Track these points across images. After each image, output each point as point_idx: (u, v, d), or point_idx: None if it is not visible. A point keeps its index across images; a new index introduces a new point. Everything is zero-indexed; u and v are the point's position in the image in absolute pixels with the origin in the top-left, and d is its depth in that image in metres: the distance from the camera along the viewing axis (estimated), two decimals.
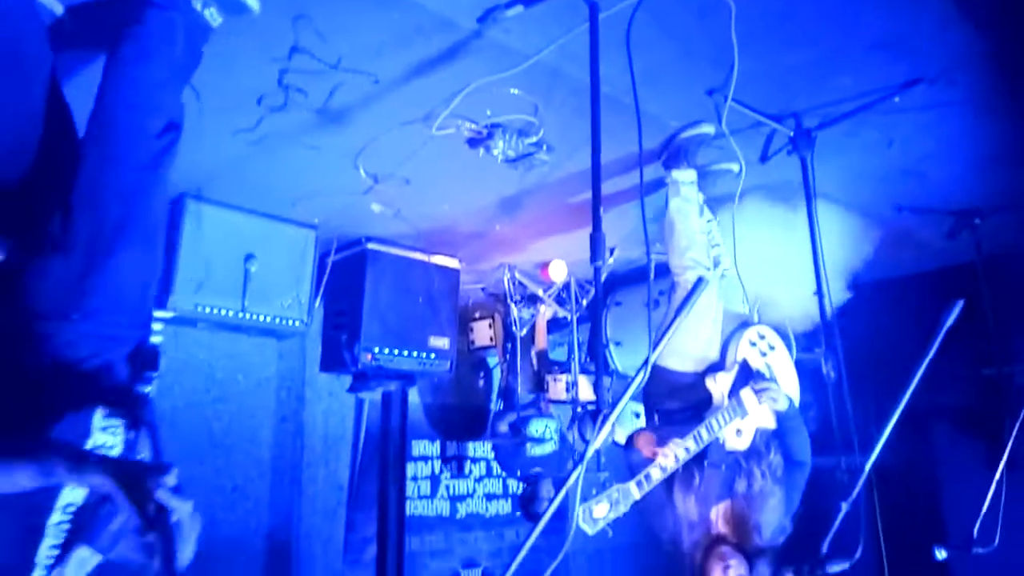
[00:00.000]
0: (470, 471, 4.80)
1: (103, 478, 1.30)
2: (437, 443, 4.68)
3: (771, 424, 2.32)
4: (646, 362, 1.38)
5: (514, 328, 4.08)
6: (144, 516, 1.26)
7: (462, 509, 4.68)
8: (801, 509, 2.46)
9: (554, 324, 4.55)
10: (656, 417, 2.45)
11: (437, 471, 4.64)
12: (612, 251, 3.71)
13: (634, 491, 2.12)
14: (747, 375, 2.38)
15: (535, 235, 3.66)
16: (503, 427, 4.41)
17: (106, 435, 1.59)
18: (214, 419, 3.79)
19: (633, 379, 1.38)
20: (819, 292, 2.24)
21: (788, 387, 2.45)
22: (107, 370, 1.64)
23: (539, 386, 4.18)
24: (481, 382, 4.99)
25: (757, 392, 2.29)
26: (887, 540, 5.94)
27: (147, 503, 1.26)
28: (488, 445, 4.88)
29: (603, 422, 1.37)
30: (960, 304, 2.18)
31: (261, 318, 3.20)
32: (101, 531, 1.54)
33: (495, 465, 4.87)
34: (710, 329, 2.46)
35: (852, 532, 2.15)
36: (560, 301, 4.12)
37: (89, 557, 1.53)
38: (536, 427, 4.07)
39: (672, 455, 2.14)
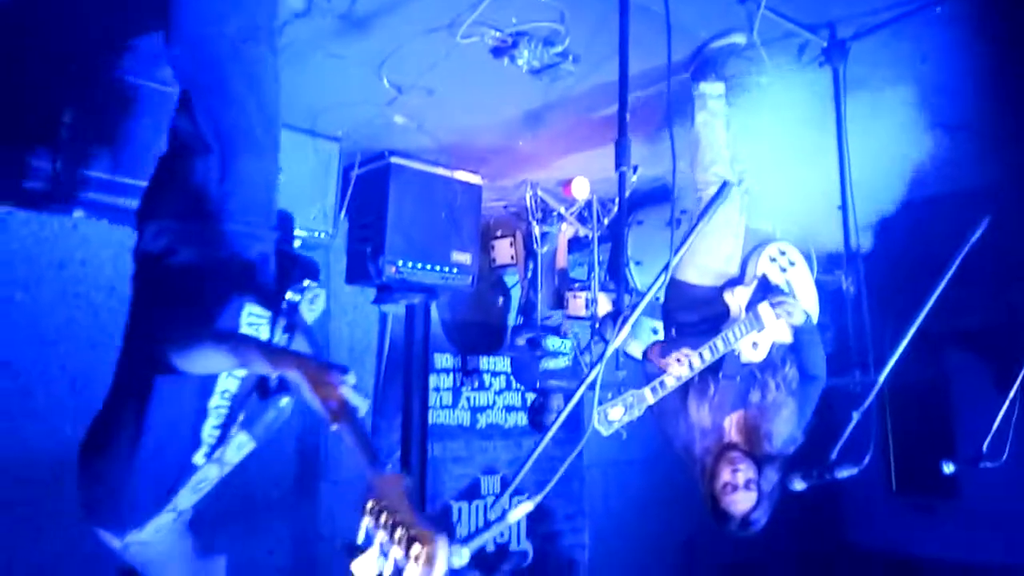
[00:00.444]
0: (490, 384, 4.94)
1: (295, 371, 1.41)
2: (458, 357, 4.81)
3: (787, 338, 2.34)
4: (667, 267, 1.41)
5: (535, 246, 4.11)
6: (329, 408, 1.35)
7: (482, 420, 4.85)
8: (814, 420, 2.53)
9: (575, 243, 4.57)
10: (673, 330, 2.47)
11: (458, 383, 4.78)
12: (635, 169, 3.68)
13: (648, 396, 2.15)
14: (766, 290, 2.38)
15: (558, 151, 3.64)
16: (520, 341, 4.51)
17: (251, 330, 1.73)
18: None
19: (654, 282, 1.41)
20: (844, 207, 2.23)
21: (806, 303, 2.46)
22: (252, 269, 1.77)
23: (559, 303, 4.24)
24: (500, 300, 5.07)
25: (774, 306, 2.29)
26: (896, 453, 6.08)
27: (331, 398, 1.36)
28: (507, 360, 5.01)
29: (623, 323, 1.42)
30: (986, 221, 2.17)
31: None
32: (256, 420, 1.73)
33: (514, 380, 5.01)
34: (731, 244, 2.46)
35: (862, 441, 2.22)
36: (582, 220, 4.12)
37: (247, 442, 1.72)
38: (552, 342, 4.15)
39: (686, 364, 2.16)
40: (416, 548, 1.16)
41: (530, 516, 4.92)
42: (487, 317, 5.01)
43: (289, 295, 1.84)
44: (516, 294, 4.95)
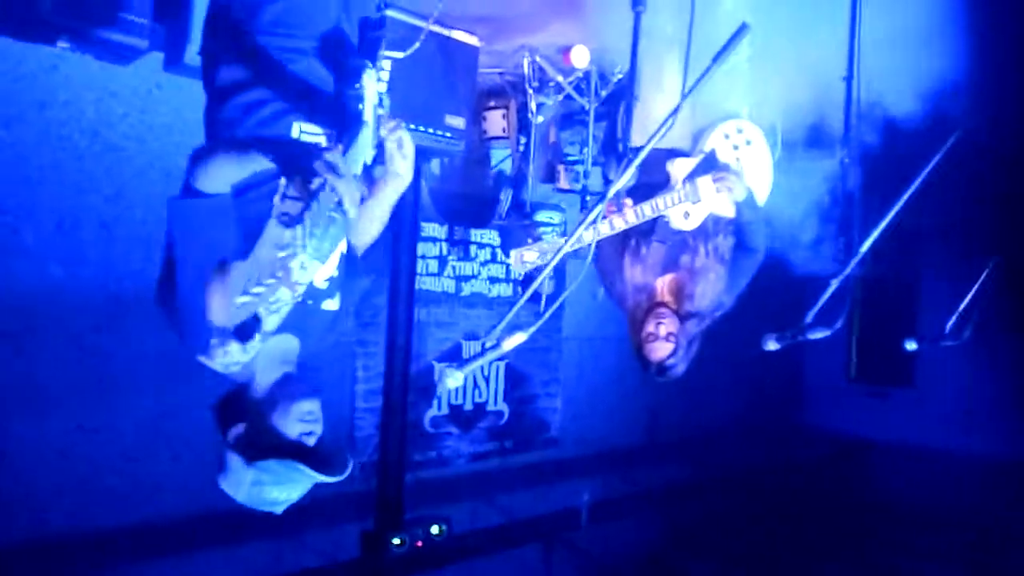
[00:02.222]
0: (476, 255, 5.02)
1: (264, 154, 1.41)
2: (445, 227, 4.85)
3: (729, 213, 2.41)
4: (676, 109, 1.42)
5: (530, 115, 4.06)
6: (303, 189, 1.37)
7: (466, 288, 4.96)
8: (791, 290, 2.63)
9: (567, 120, 4.52)
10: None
11: (444, 252, 4.85)
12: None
13: (564, 246, 2.29)
14: (711, 166, 2.43)
15: (560, 10, 3.51)
16: (510, 213, 4.54)
17: None
18: None
19: (661, 125, 1.43)
20: (848, 77, 2.22)
21: (755, 183, 2.50)
22: (297, 83, 1.68)
23: (550, 176, 4.24)
24: (489, 172, 5.05)
25: (715, 181, 2.33)
26: (859, 342, 6.41)
27: (307, 178, 1.37)
28: (494, 233, 5.06)
29: (628, 164, 1.45)
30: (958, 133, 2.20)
31: None
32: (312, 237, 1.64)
33: (499, 252, 5.09)
34: (664, 107, 2.46)
35: (836, 308, 2.34)
36: (579, 92, 4.06)
37: (308, 261, 1.58)
38: (543, 215, 4.20)
39: (608, 223, 2.25)
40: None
41: (507, 381, 5.15)
42: (475, 189, 5.01)
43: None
44: (506, 167, 4.93)
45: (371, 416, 4.36)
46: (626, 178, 1.46)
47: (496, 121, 4.56)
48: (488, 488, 5.00)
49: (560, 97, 4.04)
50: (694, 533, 5.86)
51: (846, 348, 6.37)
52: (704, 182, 2.33)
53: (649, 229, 2.34)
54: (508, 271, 5.11)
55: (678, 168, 2.40)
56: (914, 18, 2.87)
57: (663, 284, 2.41)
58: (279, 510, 1.69)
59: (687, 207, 2.33)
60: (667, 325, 2.33)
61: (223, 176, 1.54)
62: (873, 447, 6.45)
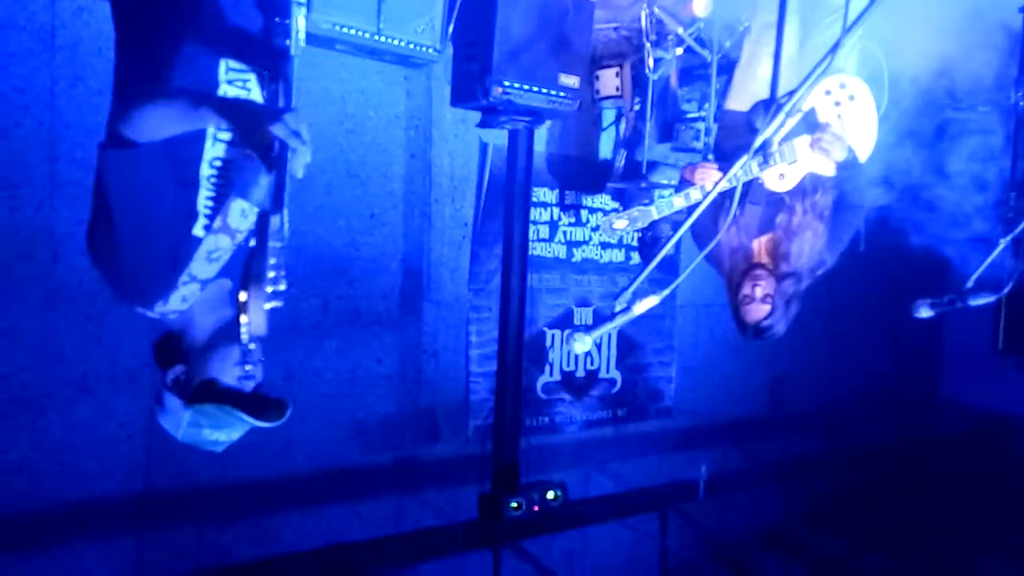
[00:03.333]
0: (587, 220, 4.91)
1: (218, 117, 1.34)
2: (556, 191, 4.77)
3: (828, 172, 2.30)
4: (834, 47, 1.27)
5: (647, 71, 3.87)
6: (263, 155, 1.29)
7: (578, 254, 4.87)
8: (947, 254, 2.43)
9: (685, 76, 4.29)
10: (711, 156, 2.49)
11: (556, 217, 4.78)
12: None
13: (653, 212, 2.26)
14: (811, 125, 2.30)
15: None
16: (626, 174, 4.40)
17: (235, 88, 1.59)
18: (349, 151, 3.97)
19: (807, 77, 1.29)
20: None
21: (858, 140, 2.34)
22: (223, 14, 1.58)
23: (668, 134, 4.06)
24: (602, 134, 4.90)
25: (813, 142, 2.23)
26: (1007, 313, 5.82)
27: (264, 143, 1.29)
28: (606, 197, 4.93)
29: (776, 111, 1.32)
30: None
31: (395, 42, 3.18)
32: (251, 183, 1.60)
33: (601, 217, 4.95)
34: (770, 68, 2.35)
35: (1000, 271, 2.12)
36: (700, 44, 3.83)
37: (248, 209, 1.61)
38: (659, 175, 4.03)
39: (699, 190, 2.22)
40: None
41: (620, 348, 5.05)
42: (587, 152, 4.89)
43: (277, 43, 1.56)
44: (621, 127, 4.77)
45: (485, 380, 4.40)
46: (775, 126, 1.33)
47: (609, 80, 4.40)
48: (601, 456, 4.96)
49: (680, 51, 3.83)
50: (817, 508, 5.61)
51: (993, 317, 5.81)
52: (801, 143, 2.24)
53: (744, 191, 2.27)
54: (620, 236, 4.98)
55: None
56: None
57: (759, 245, 2.37)
58: (219, 449, 1.70)
59: (782, 168, 2.25)
60: (763, 286, 2.30)
61: (163, 129, 1.46)
62: (1019, 423, 5.93)
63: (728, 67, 3.90)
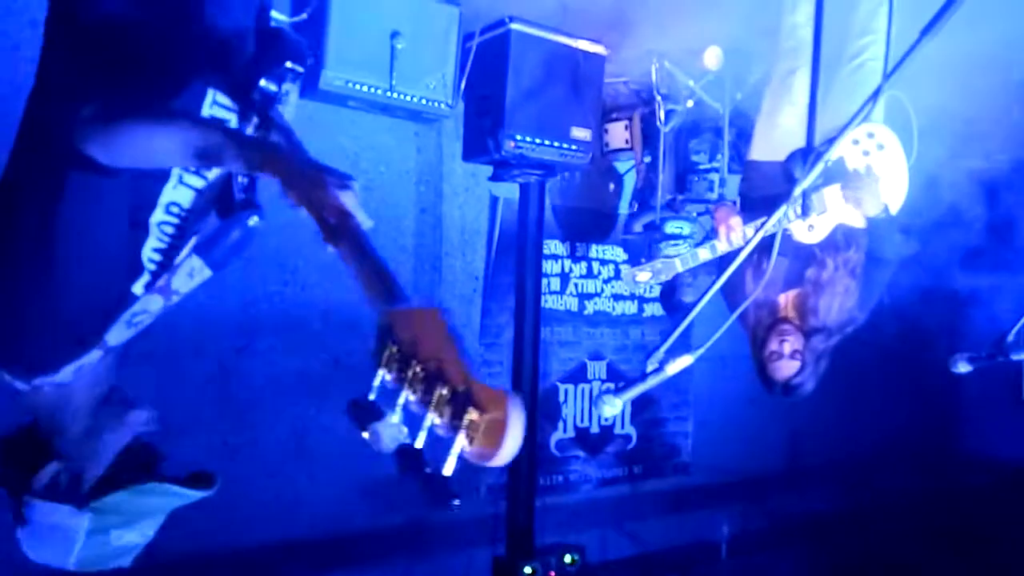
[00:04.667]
0: (598, 272, 4.87)
1: (277, 166, 1.09)
2: (567, 243, 4.74)
3: (858, 223, 2.25)
4: (875, 93, 1.24)
5: (659, 123, 3.89)
6: (325, 224, 1.09)
7: (590, 306, 4.81)
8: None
9: (696, 127, 4.31)
10: (738, 203, 2.47)
11: (567, 269, 4.73)
12: None
13: (677, 264, 2.23)
14: (839, 175, 2.25)
15: (689, 12, 3.35)
16: (638, 227, 4.37)
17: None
18: (362, 205, 3.95)
19: (852, 118, 1.25)
20: None
21: (890, 191, 2.30)
22: (222, 43, 1.35)
23: (680, 186, 4.05)
24: (611, 186, 4.90)
25: (844, 191, 2.20)
26: None
27: (328, 209, 1.09)
28: (617, 249, 4.90)
29: (816, 160, 1.28)
30: None
31: (408, 98, 3.19)
32: (217, 242, 1.34)
33: (623, 268, 4.91)
34: (791, 116, 2.33)
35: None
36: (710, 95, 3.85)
37: (200, 269, 1.34)
38: (672, 226, 4.00)
39: (725, 238, 2.18)
40: (473, 414, 0.84)
41: (635, 403, 4.93)
42: (597, 204, 4.87)
43: (264, 83, 1.37)
44: (629, 180, 4.77)
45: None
46: (814, 176, 1.29)
47: (619, 133, 4.42)
48: (618, 515, 4.80)
49: (691, 103, 3.85)
50: (842, 568, 5.39)
51: (1015, 366, 5.70)
52: (831, 192, 2.21)
53: (769, 243, 2.24)
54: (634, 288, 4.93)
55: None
56: None
57: (786, 299, 2.31)
58: (128, 562, 1.38)
59: (811, 219, 2.21)
60: (792, 342, 2.23)
61: (149, 157, 1.20)
62: None
63: (737, 118, 3.92)
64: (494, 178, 3.69)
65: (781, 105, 2.40)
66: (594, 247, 4.84)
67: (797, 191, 1.26)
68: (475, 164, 3.85)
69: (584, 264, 4.80)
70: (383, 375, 0.92)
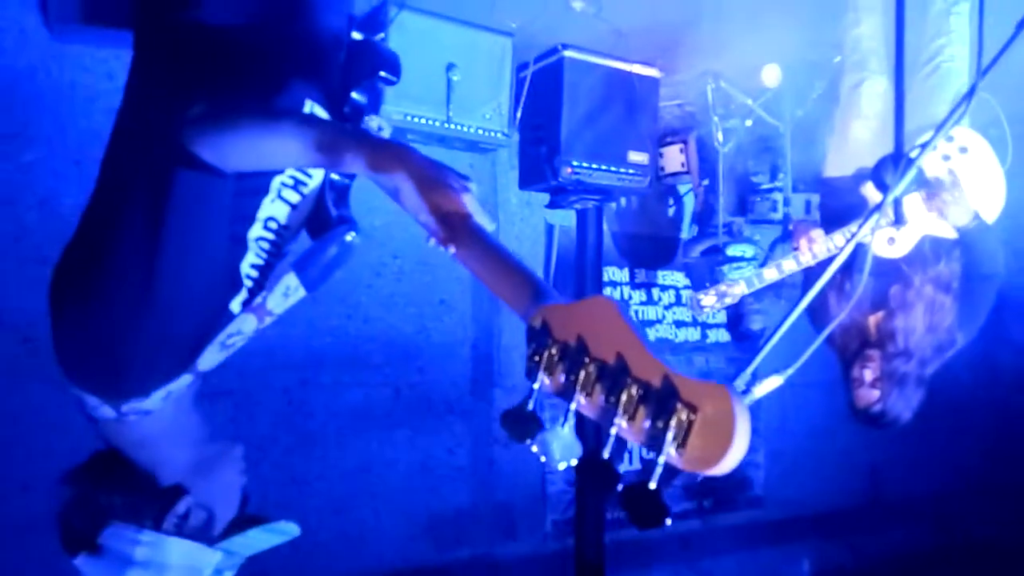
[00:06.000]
0: (659, 298, 4.76)
1: (406, 165, 1.01)
2: (626, 270, 4.66)
3: (948, 233, 2.08)
4: (970, 93, 1.15)
5: (716, 144, 3.81)
6: (446, 224, 1.01)
7: (651, 334, 4.69)
8: None
9: (753, 148, 4.21)
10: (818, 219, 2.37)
11: (627, 296, 4.64)
12: None
13: (743, 287, 2.17)
14: (921, 182, 2.11)
15: (744, 30, 3.29)
16: (696, 252, 4.27)
17: None
18: (420, 238, 3.96)
19: (946, 119, 1.16)
20: None
21: (979, 196, 2.13)
22: (319, 51, 1.31)
23: (741, 208, 3.94)
24: (670, 211, 4.82)
25: (925, 200, 2.06)
26: None
27: (449, 210, 1.01)
28: (678, 275, 4.79)
29: (908, 165, 1.19)
30: None
31: (465, 129, 3.21)
32: (313, 259, 1.28)
33: (684, 294, 4.79)
34: (862, 129, 2.22)
35: None
36: (769, 113, 3.76)
37: (295, 288, 1.27)
38: (734, 249, 3.88)
39: (807, 250, 2.11)
40: (682, 414, 0.70)
41: None
42: (655, 229, 4.79)
43: (356, 95, 1.31)
44: (688, 204, 4.68)
45: (562, 471, 4.18)
46: (904, 184, 1.20)
47: (674, 156, 4.35)
48: (689, 550, 4.60)
49: (749, 122, 3.76)
50: None
51: None
52: (911, 202, 2.08)
53: (851, 261, 2.10)
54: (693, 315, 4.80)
55: (873, 189, 2.12)
56: None
57: (875, 321, 2.18)
58: None
59: (890, 232, 2.07)
60: (873, 369, 2.12)
61: (259, 159, 1.12)
62: None
63: (799, 135, 3.81)
64: (551, 205, 3.66)
65: (849, 120, 2.32)
66: (655, 273, 4.74)
67: (889, 198, 1.17)
68: (530, 192, 3.83)
69: (643, 291, 4.71)
70: (542, 380, 0.82)
